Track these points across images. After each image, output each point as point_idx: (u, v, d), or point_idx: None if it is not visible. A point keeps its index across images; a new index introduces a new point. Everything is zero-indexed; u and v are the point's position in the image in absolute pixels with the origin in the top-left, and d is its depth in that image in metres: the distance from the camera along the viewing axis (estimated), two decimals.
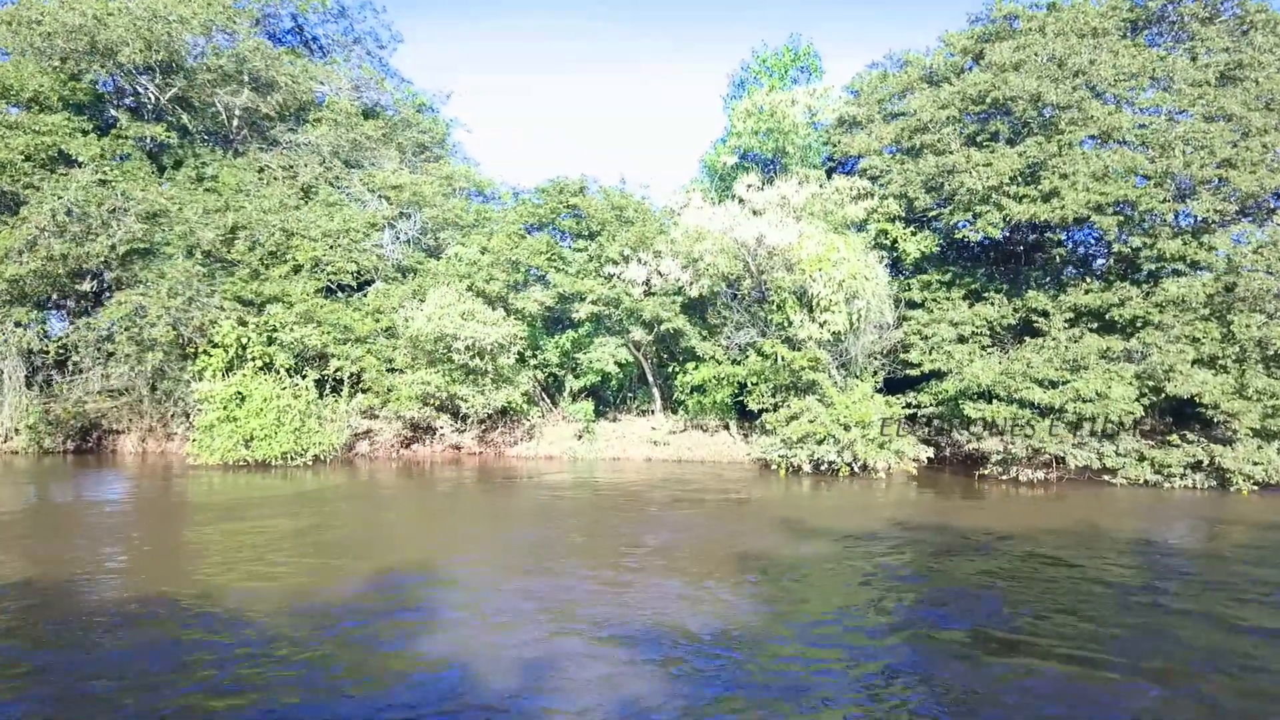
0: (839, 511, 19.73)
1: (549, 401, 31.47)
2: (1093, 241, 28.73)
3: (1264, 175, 23.56)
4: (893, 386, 27.57)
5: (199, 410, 26.79)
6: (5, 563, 13.38)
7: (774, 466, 25.63)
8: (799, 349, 25.64)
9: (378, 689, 8.41)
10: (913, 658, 9.55)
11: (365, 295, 29.84)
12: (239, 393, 26.27)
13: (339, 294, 29.67)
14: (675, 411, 30.84)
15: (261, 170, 31.66)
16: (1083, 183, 24.16)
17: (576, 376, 30.27)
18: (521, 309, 28.77)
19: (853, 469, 24.64)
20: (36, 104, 29.20)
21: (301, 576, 12.67)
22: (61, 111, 29.24)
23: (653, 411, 31.33)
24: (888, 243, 28.09)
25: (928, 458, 25.59)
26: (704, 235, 27.11)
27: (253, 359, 27.16)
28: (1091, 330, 24.88)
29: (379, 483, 23.70)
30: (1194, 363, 23.14)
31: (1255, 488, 22.06)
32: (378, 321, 28.52)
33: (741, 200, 27.72)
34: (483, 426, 29.38)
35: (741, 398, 28.42)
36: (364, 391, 28.46)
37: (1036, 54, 25.95)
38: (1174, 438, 23.52)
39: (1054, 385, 23.14)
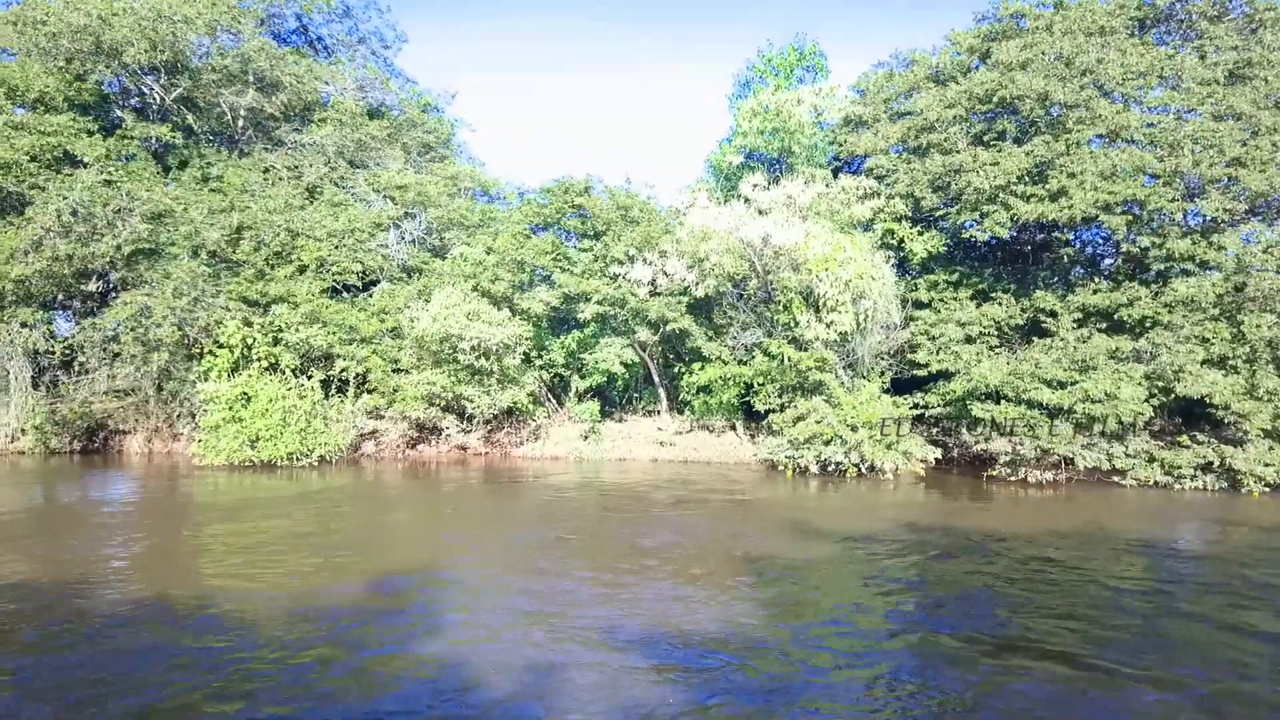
0: (845, 513, 19.64)
1: (555, 402, 31.40)
2: (1101, 241, 28.63)
3: (1273, 174, 23.42)
4: (900, 387, 27.45)
5: (204, 411, 26.75)
6: (8, 563, 13.32)
7: (781, 467, 25.54)
8: (805, 349, 25.55)
9: (375, 692, 8.34)
10: (913, 662, 9.47)
11: (370, 295, 29.81)
12: (244, 393, 26.23)
13: (344, 294, 29.64)
14: (681, 412, 30.76)
15: (266, 170, 31.63)
16: (1091, 182, 24.04)
17: (582, 377, 30.21)
18: (527, 309, 28.71)
19: (860, 470, 24.54)
20: (42, 104, 29.18)
21: (303, 578, 12.61)
22: (67, 112, 29.21)
23: (659, 412, 31.26)
24: (894, 242, 27.99)
25: (935, 458, 25.49)
26: (710, 235, 27.03)
27: (258, 359, 27.13)
28: (1100, 330, 24.77)
29: (384, 483, 23.64)
30: (1204, 363, 23.02)
31: (1266, 489, 21.94)
32: (383, 322, 28.48)
33: (747, 200, 27.64)
34: (488, 427, 29.32)
35: (748, 398, 28.32)
36: (369, 392, 28.43)
37: (1044, 53, 25.83)
38: (1184, 439, 23.40)
39: (1062, 386, 23.01)
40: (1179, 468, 22.77)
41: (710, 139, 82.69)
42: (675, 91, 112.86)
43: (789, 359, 25.64)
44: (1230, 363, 23.07)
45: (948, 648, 9.93)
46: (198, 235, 27.53)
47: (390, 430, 28.79)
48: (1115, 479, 23.36)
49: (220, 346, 27.12)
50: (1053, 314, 25.57)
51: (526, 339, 27.95)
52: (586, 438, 29.50)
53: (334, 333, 27.50)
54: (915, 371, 26.65)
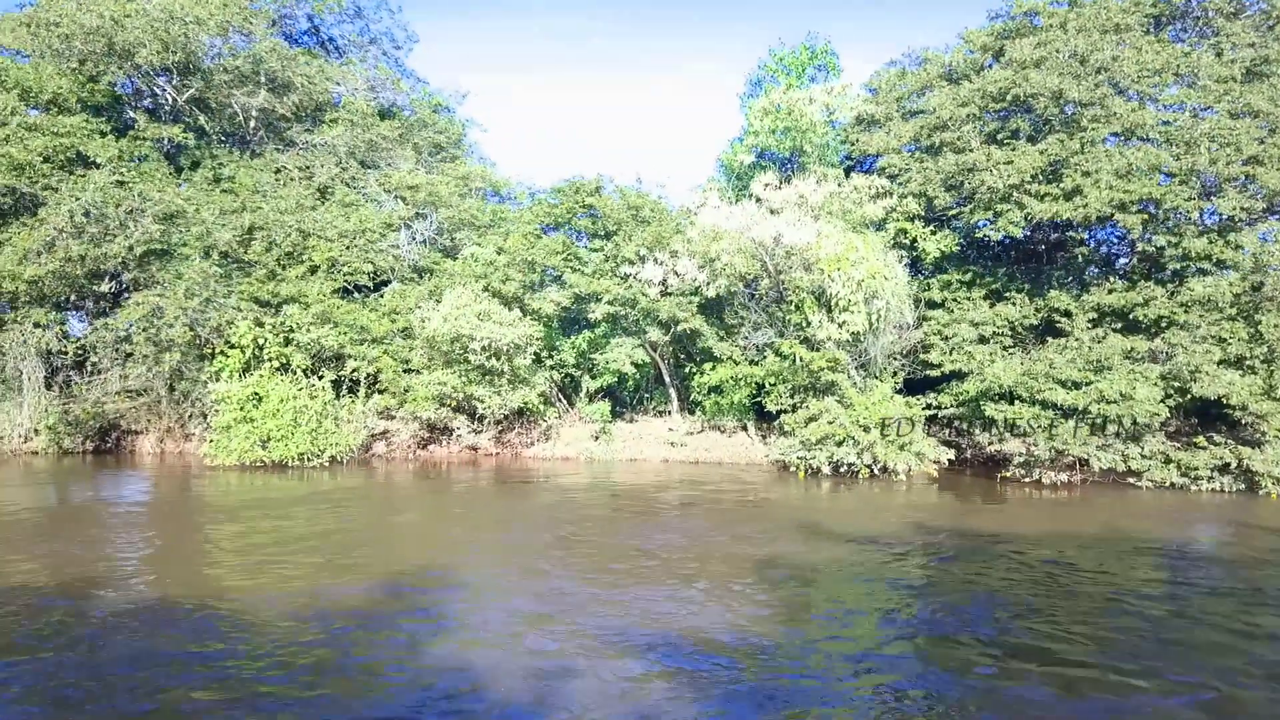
0: (856, 514, 19.51)
1: (565, 402, 31.36)
2: (1116, 240, 28.37)
3: None
4: (913, 387, 27.26)
5: (216, 411, 26.81)
6: (20, 563, 13.36)
7: (792, 468, 25.41)
8: (817, 349, 25.41)
9: (380, 696, 8.30)
10: (918, 668, 9.34)
11: (382, 296, 29.84)
12: (256, 393, 26.28)
13: (355, 295, 29.68)
14: (692, 412, 30.67)
15: (278, 171, 31.70)
16: (1106, 180, 23.81)
17: (593, 377, 30.15)
18: (538, 309, 28.68)
19: (872, 471, 24.38)
20: (55, 106, 29.34)
21: (312, 579, 12.58)
22: (80, 113, 29.35)
23: (670, 412, 31.17)
24: (907, 242, 27.80)
25: (949, 460, 25.30)
26: (721, 235, 26.91)
27: (269, 360, 27.19)
28: (1115, 330, 24.53)
29: (395, 484, 23.64)
30: (1221, 363, 22.77)
31: None
32: (394, 322, 28.50)
33: (759, 199, 27.50)
34: (499, 427, 29.28)
35: (759, 399, 28.20)
36: (380, 392, 28.45)
37: (1058, 50, 25.59)
38: (1200, 440, 23.14)
39: (1077, 386, 22.79)
40: (1195, 469, 22.53)
41: (721, 138, 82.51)
42: (686, 91, 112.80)
43: (801, 359, 25.52)
44: (1248, 363, 22.80)
45: (953, 652, 9.81)
46: (209, 236, 27.60)
47: (401, 430, 28.79)
48: (1131, 480, 23.13)
49: (232, 347, 27.19)
50: (1067, 314, 25.35)
51: (537, 339, 27.91)
52: (597, 438, 29.44)
53: (345, 333, 27.53)
54: (928, 372, 26.45)
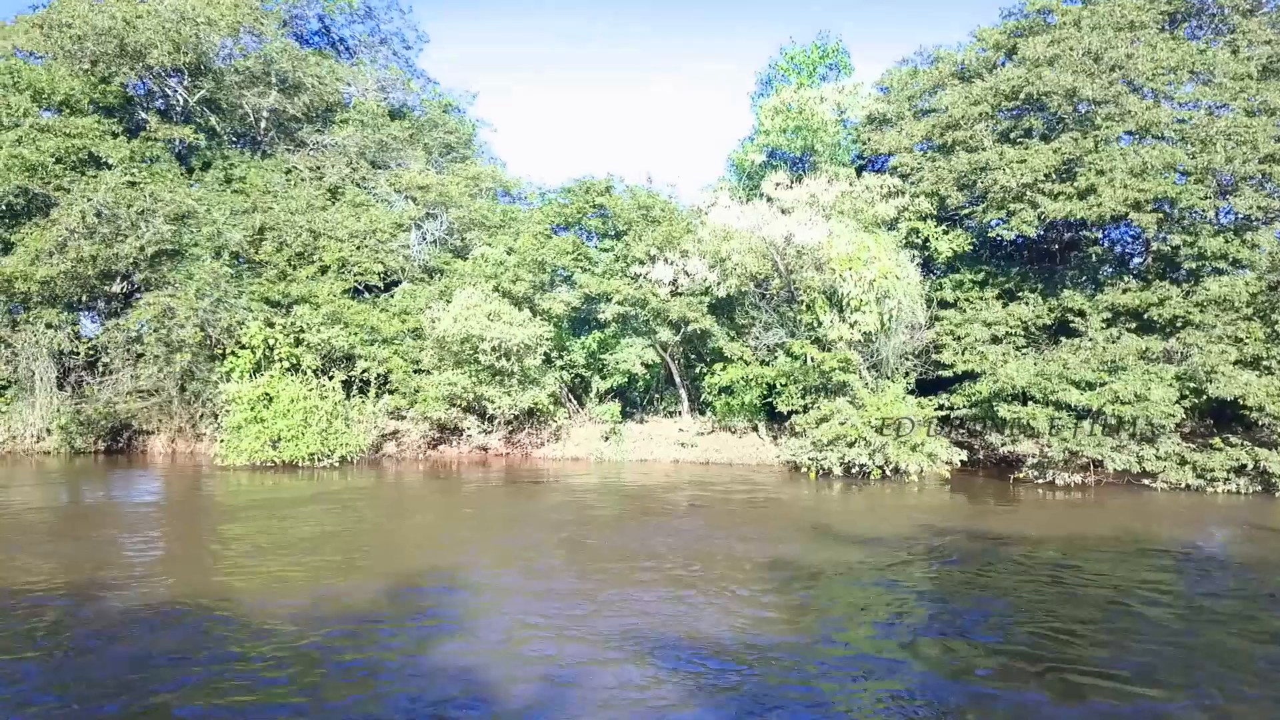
0: (866, 516, 19.38)
1: (575, 403, 31.33)
2: (1130, 240, 28.18)
3: None
4: (925, 388, 27.11)
5: (227, 411, 26.88)
6: (30, 562, 13.39)
7: (804, 469, 25.29)
8: (829, 350, 25.29)
9: (385, 697, 8.26)
10: (921, 673, 9.21)
11: (392, 296, 29.92)
12: (266, 394, 26.34)
13: (366, 295, 29.77)
14: (703, 413, 30.59)
15: (289, 171, 31.82)
16: (1120, 179, 23.60)
17: (603, 378, 30.11)
18: (548, 310, 28.67)
19: (884, 472, 24.24)
20: (67, 107, 29.52)
21: (320, 580, 12.57)
22: (92, 114, 29.50)
23: (680, 413, 31.10)
24: (919, 241, 27.65)
25: (961, 461, 25.11)
26: (731, 234, 26.83)
27: (280, 360, 27.25)
28: (1130, 330, 24.35)
29: (405, 484, 23.64)
30: (1237, 364, 22.53)
31: None
32: (404, 322, 28.57)
33: (770, 199, 27.37)
34: (509, 428, 29.28)
35: (770, 399, 28.06)
36: (391, 392, 28.50)
37: (1072, 48, 25.38)
38: (1216, 441, 22.91)
39: (1091, 387, 22.62)
40: (1211, 470, 22.29)
41: (732, 137, 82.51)
42: (696, 90, 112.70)
43: (812, 359, 25.41)
44: (1265, 363, 22.56)
45: (953, 657, 9.70)
46: (220, 236, 27.73)
47: (411, 431, 28.85)
48: (1145, 482, 22.90)
49: (242, 347, 27.30)
50: (1081, 314, 25.17)
51: (547, 339, 27.90)
52: (607, 439, 29.39)
53: (355, 333, 27.61)
54: (940, 372, 26.30)
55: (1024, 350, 25.52)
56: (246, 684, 8.50)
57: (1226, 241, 23.65)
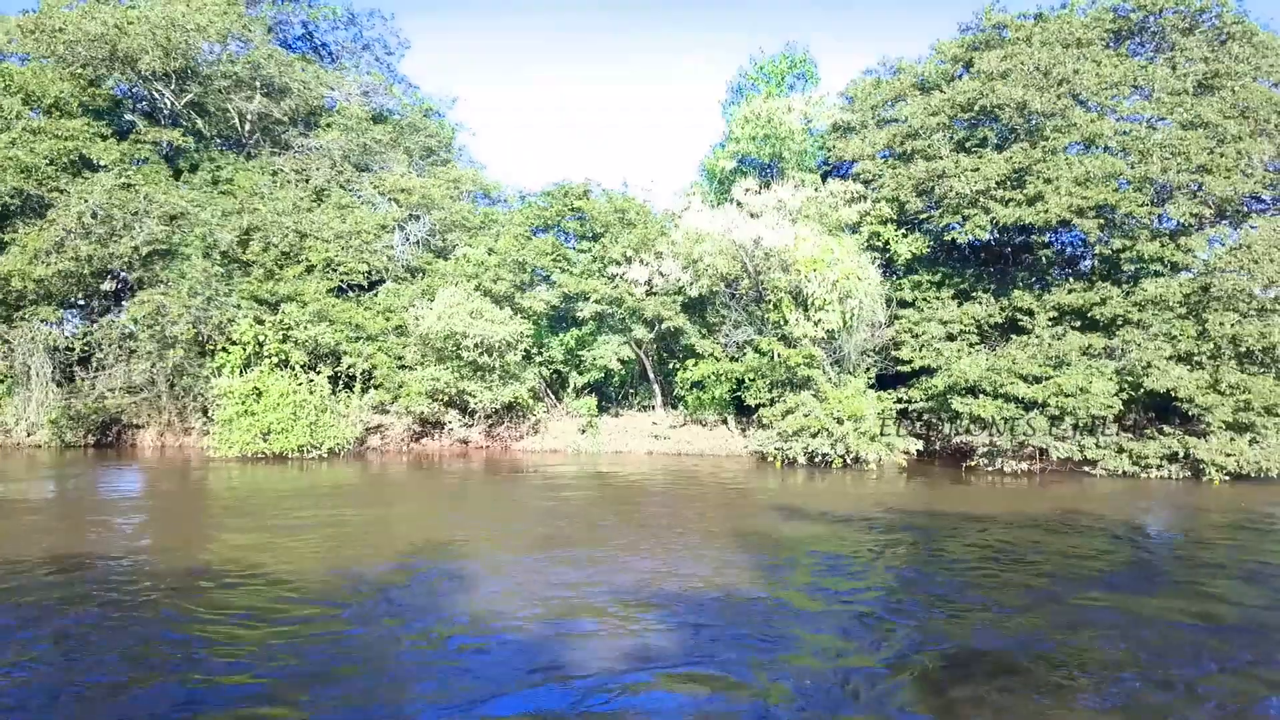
0: (829, 499, 20.77)
1: (554, 397, 32.48)
2: (1078, 243, 29.74)
3: (1238, 180, 24.62)
4: (884, 382, 28.66)
5: (218, 405, 27.74)
6: (25, 554, 13.34)
7: (770, 459, 26.71)
8: (794, 346, 26.69)
9: (379, 686, 8.32)
10: (866, 613, 10.68)
11: (376, 295, 30.82)
12: (256, 388, 27.29)
13: (351, 294, 30.66)
14: (675, 407, 31.93)
15: (275, 174, 32.54)
16: (1065, 187, 25.14)
17: (580, 373, 31.28)
18: (528, 308, 29.77)
19: (845, 461, 25.69)
20: (57, 109, 30.11)
21: (311, 566, 12.71)
22: (81, 116, 30.15)
23: (654, 407, 32.40)
24: (880, 244, 29.13)
25: (918, 450, 26.66)
26: (704, 237, 28.13)
27: (269, 356, 28.16)
28: (1074, 328, 25.95)
29: (390, 475, 24.69)
30: (1171, 359, 24.20)
31: (1227, 478, 23.18)
32: (388, 320, 29.51)
33: (740, 203, 28.72)
34: (490, 421, 30.40)
35: (739, 393, 29.50)
36: (375, 388, 29.44)
37: (1023, 63, 26.90)
38: (1151, 430, 24.59)
39: (1038, 381, 24.21)
40: (1146, 458, 23.99)
41: (704, 142, 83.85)
42: (670, 95, 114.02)
43: (778, 356, 26.80)
44: (1196, 359, 24.26)
45: (900, 599, 11.14)
46: (210, 236, 28.48)
47: (395, 424, 29.88)
48: (1086, 469, 24.59)
49: (233, 344, 28.18)
50: (1030, 312, 26.73)
51: (527, 337, 29.03)
52: (584, 431, 30.60)
53: (341, 331, 28.52)
54: (899, 368, 27.81)
55: (976, 347, 27.04)
56: (238, 673, 8.58)
57: (1163, 246, 25.30)
